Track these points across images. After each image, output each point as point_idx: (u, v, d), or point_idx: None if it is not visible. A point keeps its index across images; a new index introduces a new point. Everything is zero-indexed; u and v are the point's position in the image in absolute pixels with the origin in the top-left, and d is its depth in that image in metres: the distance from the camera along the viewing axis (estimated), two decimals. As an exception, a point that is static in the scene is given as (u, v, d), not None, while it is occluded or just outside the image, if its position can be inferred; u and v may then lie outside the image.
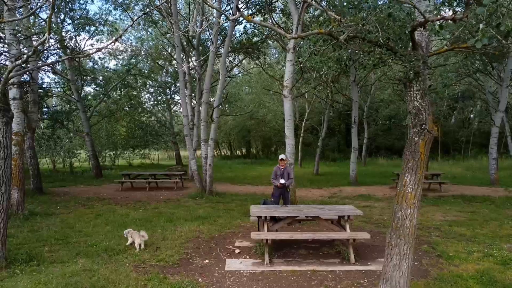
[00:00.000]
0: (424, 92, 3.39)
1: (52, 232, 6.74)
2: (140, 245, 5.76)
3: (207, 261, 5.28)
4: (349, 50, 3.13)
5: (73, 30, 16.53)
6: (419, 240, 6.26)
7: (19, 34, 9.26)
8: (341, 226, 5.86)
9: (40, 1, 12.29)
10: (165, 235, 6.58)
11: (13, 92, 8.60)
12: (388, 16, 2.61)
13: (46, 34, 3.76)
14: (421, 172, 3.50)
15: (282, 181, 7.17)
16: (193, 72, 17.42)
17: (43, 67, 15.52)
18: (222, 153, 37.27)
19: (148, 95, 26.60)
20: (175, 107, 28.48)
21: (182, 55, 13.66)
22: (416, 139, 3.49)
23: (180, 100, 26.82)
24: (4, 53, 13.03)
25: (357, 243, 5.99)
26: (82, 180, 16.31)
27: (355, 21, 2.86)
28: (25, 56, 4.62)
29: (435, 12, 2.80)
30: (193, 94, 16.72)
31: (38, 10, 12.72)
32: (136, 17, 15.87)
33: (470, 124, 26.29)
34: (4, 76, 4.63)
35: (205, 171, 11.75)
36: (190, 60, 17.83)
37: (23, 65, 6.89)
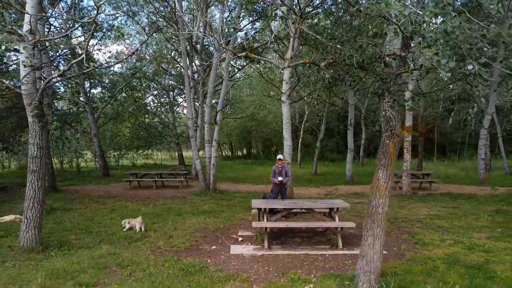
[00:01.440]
0: (393, 104, 4.18)
1: (75, 224, 7.54)
2: (141, 229, 6.93)
3: (214, 247, 6.06)
4: (331, 71, 3.90)
5: (81, 36, 17.35)
6: (402, 230, 7.04)
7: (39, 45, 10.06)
8: (332, 217, 6.64)
9: (69, 21, 13.11)
10: (175, 226, 7.39)
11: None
12: (359, 47, 3.39)
13: (84, 55, 4.55)
14: (391, 169, 4.28)
15: (280, 178, 7.95)
16: (196, 75, 18.19)
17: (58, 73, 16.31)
18: (223, 154, 37.97)
19: (152, 97, 27.42)
20: (178, 108, 29.28)
21: (187, 61, 14.43)
22: (387, 141, 4.27)
23: (182, 103, 27.71)
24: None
25: (346, 233, 6.79)
26: (90, 179, 17.11)
27: (333, 48, 3.65)
28: (62, 69, 5.38)
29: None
30: (195, 96, 17.49)
31: (49, 15, 13.57)
32: (141, 22, 16.71)
33: (466, 126, 26.93)
34: (41, 86, 5.42)
35: (209, 170, 12.54)
36: (193, 63, 18.62)
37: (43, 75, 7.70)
